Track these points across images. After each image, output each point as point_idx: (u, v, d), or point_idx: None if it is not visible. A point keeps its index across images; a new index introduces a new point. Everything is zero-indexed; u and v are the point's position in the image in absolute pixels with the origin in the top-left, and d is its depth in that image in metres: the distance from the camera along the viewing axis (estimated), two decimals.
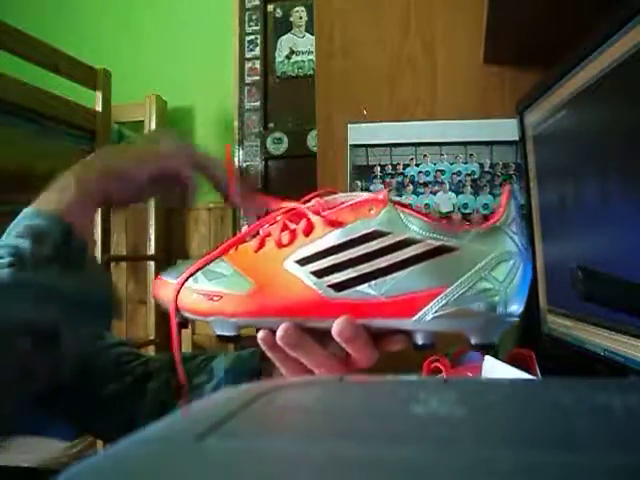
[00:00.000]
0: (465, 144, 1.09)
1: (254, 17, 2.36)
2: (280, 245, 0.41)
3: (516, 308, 0.38)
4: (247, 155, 2.35)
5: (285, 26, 2.35)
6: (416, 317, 0.38)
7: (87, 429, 0.66)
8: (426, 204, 1.10)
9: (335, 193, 0.44)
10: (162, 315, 1.79)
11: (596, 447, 0.13)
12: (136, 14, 2.44)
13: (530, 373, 0.58)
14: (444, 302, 0.37)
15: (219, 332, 0.42)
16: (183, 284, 0.43)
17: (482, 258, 0.37)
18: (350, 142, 1.13)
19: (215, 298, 0.42)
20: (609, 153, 0.55)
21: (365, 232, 0.39)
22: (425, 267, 0.37)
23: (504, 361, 0.58)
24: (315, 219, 0.41)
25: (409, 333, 0.40)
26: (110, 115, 1.89)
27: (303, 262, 0.40)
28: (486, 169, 1.08)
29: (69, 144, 1.73)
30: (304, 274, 0.40)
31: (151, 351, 1.99)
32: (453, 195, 1.09)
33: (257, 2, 2.35)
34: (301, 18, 2.34)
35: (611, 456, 0.13)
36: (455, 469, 0.13)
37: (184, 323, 0.45)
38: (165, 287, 0.46)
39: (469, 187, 1.09)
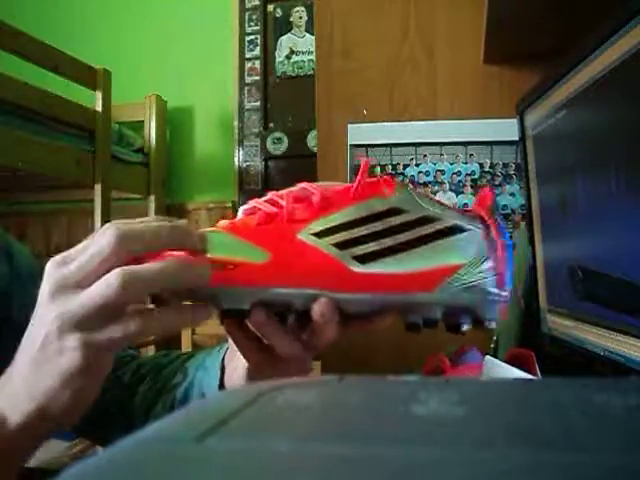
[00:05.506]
0: (465, 144, 1.09)
1: (254, 17, 2.36)
2: (291, 220, 0.40)
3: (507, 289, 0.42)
4: (247, 155, 2.35)
5: (285, 26, 2.35)
6: (437, 289, 0.40)
7: (88, 436, 0.65)
8: None
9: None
10: None
11: (596, 447, 0.13)
12: (136, 14, 2.44)
13: (530, 373, 0.58)
14: (463, 276, 0.40)
15: (227, 306, 0.39)
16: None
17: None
18: (350, 142, 1.13)
19: (229, 267, 0.38)
20: (609, 153, 0.55)
21: (381, 209, 0.40)
22: (444, 243, 0.40)
23: (504, 361, 0.58)
24: (325, 196, 0.41)
25: (402, 312, 0.40)
26: (110, 115, 1.89)
27: (321, 234, 0.39)
28: (486, 169, 1.08)
29: (69, 144, 1.73)
30: (324, 246, 0.39)
31: (151, 351, 1.99)
32: (453, 195, 1.09)
33: (257, 2, 2.35)
34: (301, 18, 2.34)
35: (611, 456, 0.13)
36: (455, 469, 0.13)
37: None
38: None
39: (469, 187, 1.09)
